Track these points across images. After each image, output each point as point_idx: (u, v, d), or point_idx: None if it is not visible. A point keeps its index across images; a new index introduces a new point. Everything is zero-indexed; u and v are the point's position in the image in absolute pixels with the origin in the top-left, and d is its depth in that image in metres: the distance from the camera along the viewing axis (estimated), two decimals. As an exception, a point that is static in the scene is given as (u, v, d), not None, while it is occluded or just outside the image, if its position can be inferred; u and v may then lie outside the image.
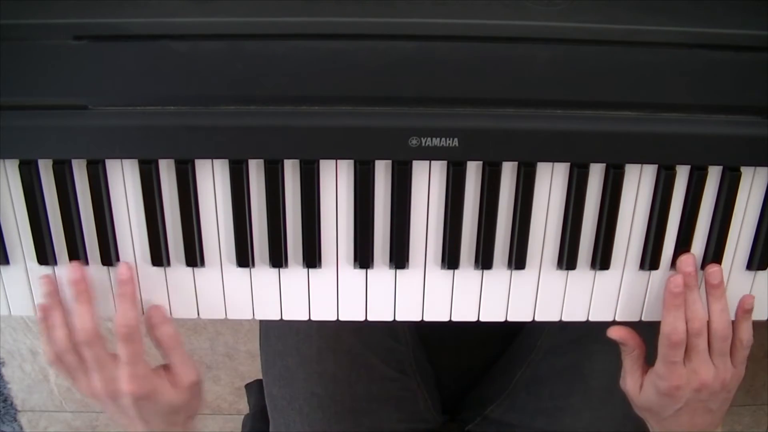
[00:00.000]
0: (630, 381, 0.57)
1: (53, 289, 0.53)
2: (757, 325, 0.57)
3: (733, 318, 0.56)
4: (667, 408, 0.55)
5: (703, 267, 0.55)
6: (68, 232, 0.52)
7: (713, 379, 0.54)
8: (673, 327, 0.53)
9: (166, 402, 0.55)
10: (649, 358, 0.57)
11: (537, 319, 0.56)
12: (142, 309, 0.55)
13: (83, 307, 0.52)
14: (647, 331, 0.56)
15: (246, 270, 0.54)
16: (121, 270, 0.53)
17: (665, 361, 0.54)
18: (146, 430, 0.56)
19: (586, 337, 0.69)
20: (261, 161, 0.51)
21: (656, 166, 0.52)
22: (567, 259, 0.54)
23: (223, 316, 0.56)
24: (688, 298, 0.53)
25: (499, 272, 0.55)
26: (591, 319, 0.57)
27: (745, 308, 0.55)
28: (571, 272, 0.55)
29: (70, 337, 0.53)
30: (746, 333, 0.55)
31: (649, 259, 0.54)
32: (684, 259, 0.54)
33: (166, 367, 0.56)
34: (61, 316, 0.53)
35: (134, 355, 0.52)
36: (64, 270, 0.53)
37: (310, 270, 0.54)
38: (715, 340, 0.54)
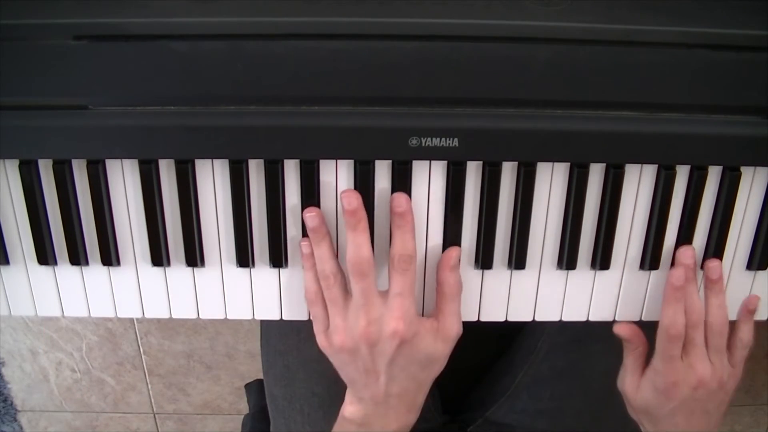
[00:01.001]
0: (629, 380, 0.57)
1: (320, 222, 0.51)
2: (756, 325, 0.57)
3: (734, 318, 0.56)
4: (663, 407, 0.55)
5: (702, 266, 0.55)
6: (68, 232, 0.52)
7: (710, 375, 0.54)
8: (672, 320, 0.53)
9: (425, 350, 0.52)
10: (648, 359, 0.57)
11: (537, 319, 0.56)
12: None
13: (362, 235, 0.49)
14: (648, 332, 0.56)
15: (246, 270, 0.54)
16: (396, 201, 0.50)
17: (663, 356, 0.54)
18: (384, 392, 0.53)
19: (586, 338, 0.69)
20: (261, 161, 0.51)
21: (656, 166, 0.52)
22: (567, 259, 0.54)
23: (223, 316, 0.56)
24: (686, 290, 0.53)
25: (499, 272, 0.55)
26: (591, 319, 0.57)
27: (748, 308, 0.55)
28: (571, 272, 0.55)
29: (338, 269, 0.51)
30: (746, 333, 0.55)
31: (649, 259, 0.54)
32: (683, 251, 0.53)
33: (432, 317, 0.54)
34: (329, 248, 0.51)
35: (409, 288, 0.50)
36: (341, 198, 0.50)
37: (310, 270, 0.54)
38: (711, 336, 0.54)
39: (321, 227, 0.51)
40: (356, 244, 0.50)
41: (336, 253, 0.52)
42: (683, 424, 0.55)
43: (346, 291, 0.52)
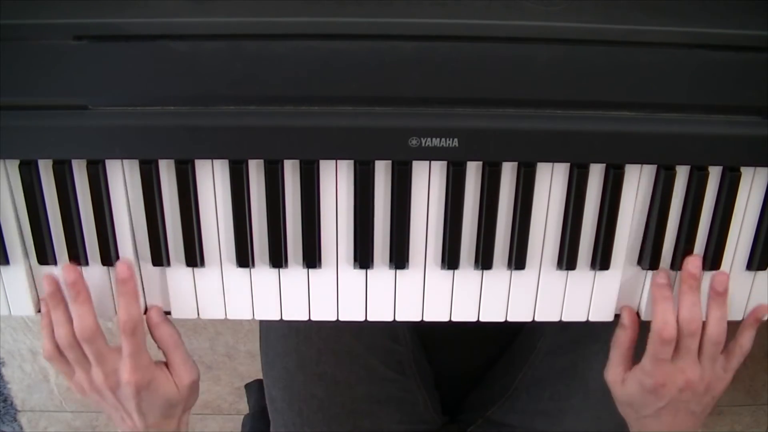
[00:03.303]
0: (612, 372, 0.57)
1: (55, 288, 0.54)
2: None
3: (732, 318, 0.55)
4: (649, 406, 0.55)
5: (703, 267, 0.55)
6: (68, 232, 0.52)
7: (699, 380, 0.54)
8: (663, 321, 0.52)
9: (164, 394, 0.56)
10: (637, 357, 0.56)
11: (537, 319, 0.56)
12: (145, 305, 0.56)
13: (82, 307, 0.53)
14: (640, 332, 0.56)
15: (246, 270, 0.54)
16: (119, 269, 0.53)
17: (653, 358, 0.53)
18: (142, 425, 0.56)
19: (585, 338, 0.69)
20: (261, 161, 0.51)
21: (656, 166, 0.52)
22: (567, 259, 0.54)
23: (223, 316, 0.56)
24: (689, 299, 0.53)
25: (499, 272, 0.55)
26: (591, 319, 0.57)
27: (756, 316, 0.55)
28: (571, 272, 0.55)
29: (72, 334, 0.53)
30: (748, 340, 0.55)
31: (649, 260, 0.54)
32: (691, 260, 0.53)
33: (166, 365, 0.57)
34: (63, 314, 0.54)
35: (137, 348, 0.53)
36: (61, 271, 0.53)
37: (310, 270, 0.54)
38: (707, 344, 0.53)
39: (58, 293, 0.54)
40: (78, 315, 0.53)
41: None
42: (668, 423, 0.55)
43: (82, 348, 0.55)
